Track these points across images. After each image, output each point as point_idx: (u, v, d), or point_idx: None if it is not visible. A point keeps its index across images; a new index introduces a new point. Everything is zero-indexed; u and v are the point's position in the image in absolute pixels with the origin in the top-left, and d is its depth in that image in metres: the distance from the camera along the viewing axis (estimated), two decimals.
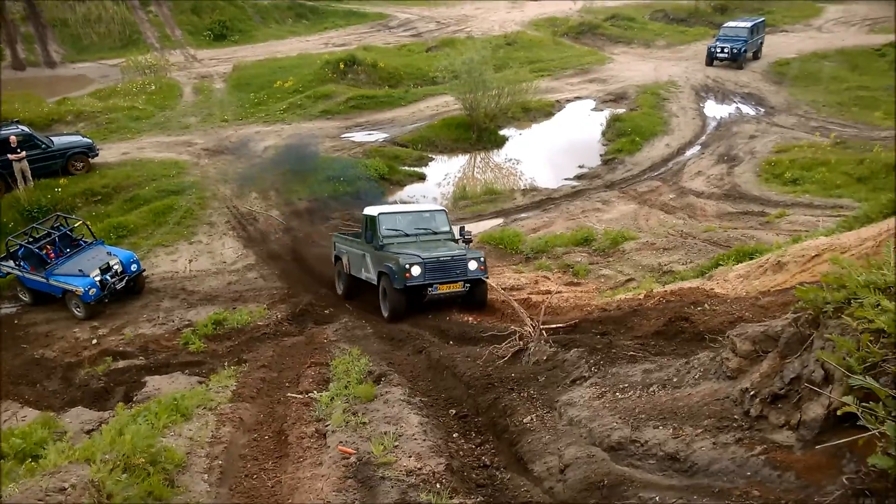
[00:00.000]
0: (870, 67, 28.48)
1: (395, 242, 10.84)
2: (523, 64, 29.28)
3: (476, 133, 22.51)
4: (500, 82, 22.76)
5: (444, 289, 10.25)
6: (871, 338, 3.32)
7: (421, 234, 11.15)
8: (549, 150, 22.58)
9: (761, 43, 31.69)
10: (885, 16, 36.34)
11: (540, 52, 32.80)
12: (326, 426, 5.69)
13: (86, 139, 17.19)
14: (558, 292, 9.81)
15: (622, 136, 22.73)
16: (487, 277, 10.64)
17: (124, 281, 11.43)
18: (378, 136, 22.62)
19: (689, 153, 21.77)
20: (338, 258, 12.54)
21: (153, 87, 26.07)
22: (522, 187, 19.54)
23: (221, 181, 17.98)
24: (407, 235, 11.06)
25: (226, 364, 8.31)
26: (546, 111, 25.43)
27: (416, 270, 9.94)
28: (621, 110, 25.05)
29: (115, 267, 11.09)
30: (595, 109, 25.88)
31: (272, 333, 10.13)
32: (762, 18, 32.69)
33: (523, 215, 17.38)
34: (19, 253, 11.26)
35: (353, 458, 4.89)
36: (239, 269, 13.54)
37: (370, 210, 11.51)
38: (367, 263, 11.21)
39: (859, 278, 3.88)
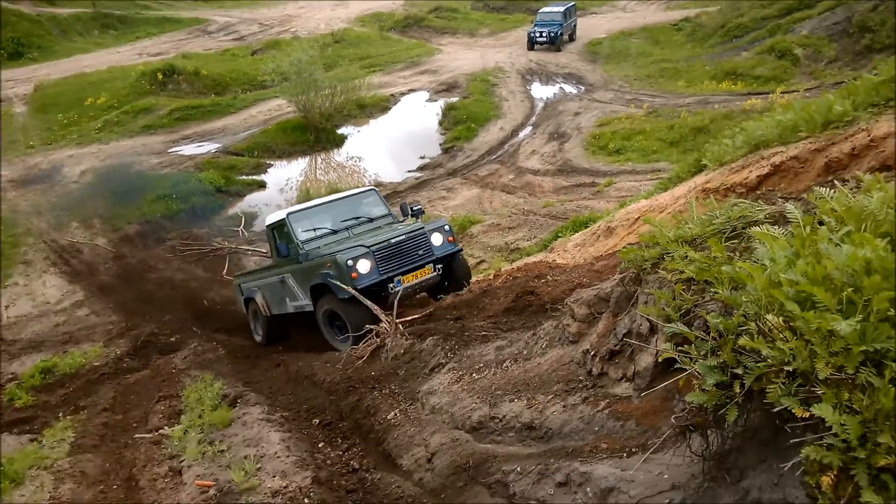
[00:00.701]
0: (670, 41, 31.26)
1: (320, 245, 8.44)
2: (353, 61, 29.17)
3: (313, 134, 22.13)
4: (332, 81, 22.52)
5: (411, 279, 7.93)
6: (683, 287, 3.61)
7: (353, 227, 8.78)
8: (390, 144, 22.72)
9: (575, 26, 33.75)
10: None
11: (369, 48, 32.84)
12: (181, 462, 5.37)
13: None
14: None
15: (458, 123, 23.34)
16: (461, 249, 8.84)
17: None
18: (209, 147, 21.58)
19: (522, 134, 22.76)
20: (249, 300, 10.17)
21: None
22: (367, 184, 19.51)
23: (35, 214, 16.35)
24: (335, 232, 8.67)
25: (60, 415, 7.58)
26: (382, 106, 25.52)
27: (363, 265, 7.52)
28: (454, 99, 25.70)
29: None
30: (429, 100, 26.34)
31: (112, 372, 9.30)
32: (573, 2, 34.80)
33: None
34: None
35: (212, 491, 4.64)
36: (66, 307, 12.37)
37: (274, 216, 9.15)
38: (290, 288, 8.78)
39: (669, 234, 4.22)
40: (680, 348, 3.07)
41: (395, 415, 5.15)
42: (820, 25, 25.02)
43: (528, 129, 23.10)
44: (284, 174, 20.38)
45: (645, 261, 4.28)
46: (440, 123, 24.02)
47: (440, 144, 22.49)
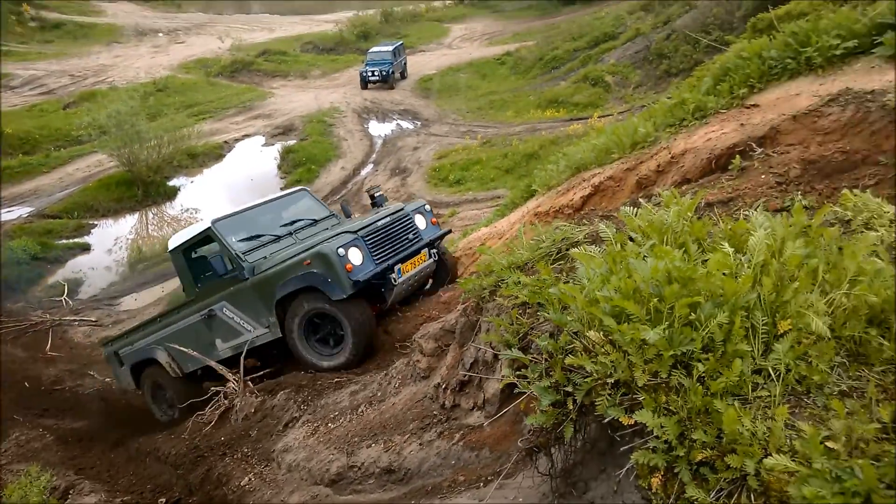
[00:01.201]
0: (495, 74, 33.00)
1: (267, 255, 6.82)
2: (179, 109, 28.00)
3: (141, 188, 20.86)
4: (158, 131, 21.40)
5: (411, 268, 6.68)
6: (519, 311, 3.75)
7: (297, 231, 7.30)
8: (228, 192, 21.90)
9: (405, 63, 34.67)
10: (498, 31, 42.46)
11: (196, 95, 31.66)
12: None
13: None
14: None
15: (298, 166, 23.06)
16: (450, 231, 7.99)
17: None
18: (20, 211, 19.68)
19: (364, 172, 22.89)
20: (142, 367, 8.01)
21: None
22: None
23: None
24: (278, 239, 7.09)
25: None
26: (215, 154, 24.65)
27: (355, 255, 6.11)
28: (292, 142, 25.40)
29: None
30: (266, 144, 25.82)
31: None
32: (401, 42, 35.81)
33: None
34: None
35: None
36: None
37: (184, 234, 7.35)
38: (227, 322, 6.93)
39: (502, 262, 4.39)
40: (518, 373, 3.18)
41: (250, 479, 4.89)
42: (624, 54, 27.56)
43: (369, 167, 23.28)
44: (111, 234, 18.99)
45: (483, 289, 4.42)
46: (279, 167, 23.60)
47: (281, 189, 22.04)
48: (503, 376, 3.56)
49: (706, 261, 2.92)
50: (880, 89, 4.90)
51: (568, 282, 3.55)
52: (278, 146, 25.08)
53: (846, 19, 6.01)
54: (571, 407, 2.70)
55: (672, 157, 6.43)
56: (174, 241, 7.42)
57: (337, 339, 6.42)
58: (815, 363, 2.43)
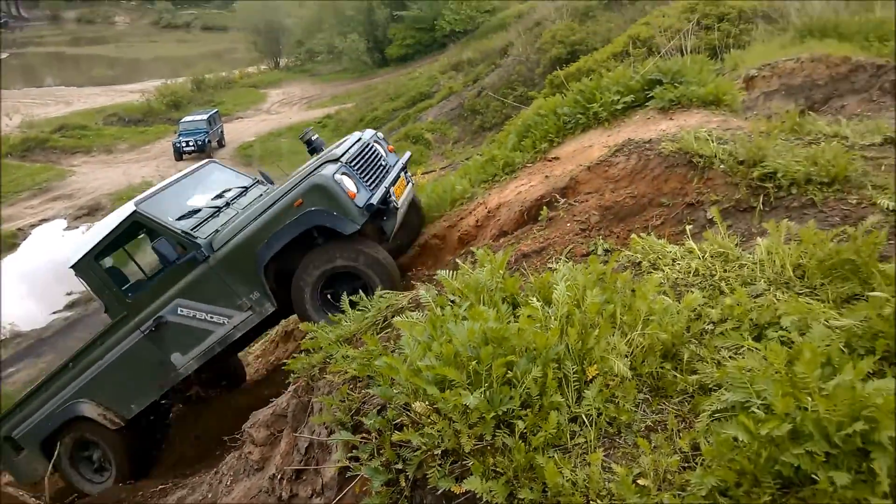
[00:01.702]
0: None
1: (217, 228, 5.73)
2: None
3: None
4: None
5: (400, 193, 6.05)
6: (350, 387, 3.67)
7: (233, 201, 6.26)
8: (26, 284, 19.67)
9: (222, 131, 33.73)
10: (317, 94, 42.79)
11: None
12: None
13: None
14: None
15: None
16: (411, 155, 7.34)
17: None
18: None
19: None
20: (55, 437, 6.30)
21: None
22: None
23: None
24: (217, 212, 6.00)
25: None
26: (8, 243, 22.16)
27: (349, 184, 5.33)
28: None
29: None
30: (69, 228, 23.69)
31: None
32: (216, 109, 34.84)
33: (11, 370, 14.76)
34: None
35: None
36: None
37: (96, 233, 5.94)
38: (184, 329, 5.73)
39: (329, 336, 4.30)
40: (351, 454, 3.09)
41: (621, 404, 4.08)
42: (441, 112, 28.88)
43: None
44: None
45: (312, 367, 4.29)
46: None
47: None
48: (338, 460, 3.45)
49: (519, 316, 3.06)
50: (656, 138, 5.51)
51: (394, 351, 3.54)
52: (83, 228, 23.11)
53: (623, 77, 6.76)
54: (404, 484, 2.66)
55: (489, 212, 6.74)
56: (76, 253, 5.88)
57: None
58: (621, 403, 2.60)
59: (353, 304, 4.48)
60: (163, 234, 5.50)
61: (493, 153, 7.71)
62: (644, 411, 2.60)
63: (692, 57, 7.00)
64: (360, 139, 6.13)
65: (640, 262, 3.58)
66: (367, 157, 5.92)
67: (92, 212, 24.83)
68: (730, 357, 2.63)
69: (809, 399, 2.02)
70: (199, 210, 5.94)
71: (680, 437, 2.40)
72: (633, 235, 3.75)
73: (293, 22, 48.49)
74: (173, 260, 5.42)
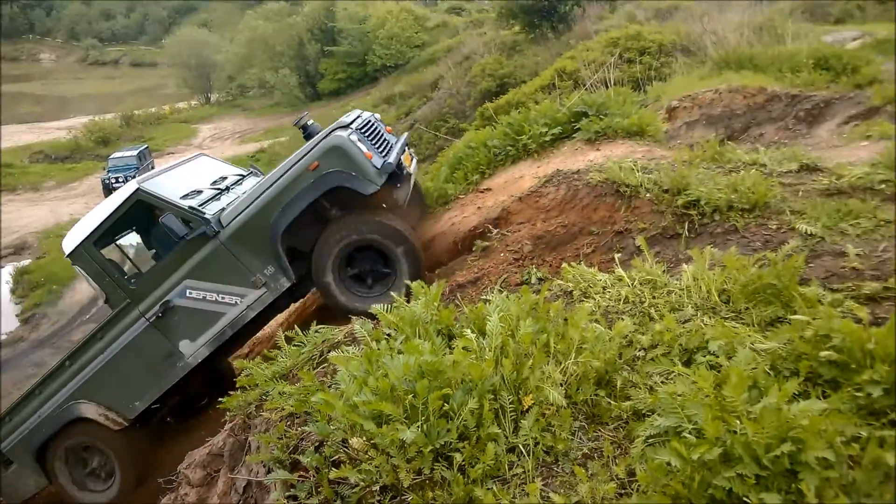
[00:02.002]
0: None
1: (224, 206, 5.47)
2: None
3: None
4: None
5: (409, 162, 6.03)
6: (288, 423, 3.58)
7: (232, 187, 6.05)
8: None
9: (152, 167, 32.89)
10: (249, 128, 42.34)
11: None
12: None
13: None
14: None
15: (36, 288, 20.43)
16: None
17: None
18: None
19: None
20: (48, 446, 5.88)
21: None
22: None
23: None
24: (219, 194, 5.74)
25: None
26: None
27: (363, 144, 5.16)
28: (27, 262, 22.52)
29: None
30: None
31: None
32: (146, 145, 33.99)
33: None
34: None
35: None
36: None
37: (95, 217, 5.47)
38: (193, 313, 5.38)
39: (265, 372, 4.20)
40: (289, 493, 3.00)
41: (557, 433, 3.73)
42: None
43: None
44: None
45: (249, 405, 4.17)
46: (13, 292, 20.69)
47: (17, 316, 19.32)
48: (276, 499, 3.34)
49: (455, 348, 3.05)
50: (584, 168, 5.66)
51: (331, 387, 3.48)
52: (9, 268, 22.06)
53: (550, 110, 6.94)
54: None
55: (423, 244, 6.75)
56: (74, 239, 5.40)
57: (377, 275, 5.36)
58: (557, 432, 2.61)
59: (288, 340, 4.40)
60: (169, 210, 5.14)
61: (426, 185, 7.76)
62: (580, 439, 2.62)
63: (616, 89, 7.27)
64: (360, 114, 5.92)
65: (571, 291, 3.64)
66: (371, 129, 5.74)
67: (17, 251, 23.75)
68: (661, 382, 2.69)
69: (738, 422, 2.08)
70: (201, 192, 5.63)
71: (616, 464, 2.42)
72: (565, 264, 3.82)
73: (223, 57, 48.03)
74: (182, 235, 5.08)
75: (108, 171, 30.34)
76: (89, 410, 5.62)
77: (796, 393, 2.29)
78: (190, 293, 5.34)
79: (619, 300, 3.34)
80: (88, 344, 5.63)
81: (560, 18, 23.66)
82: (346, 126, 5.27)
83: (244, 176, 6.37)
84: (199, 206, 5.36)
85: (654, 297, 3.27)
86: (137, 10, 77.48)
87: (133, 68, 70.10)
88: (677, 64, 11.57)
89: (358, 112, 6.09)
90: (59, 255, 22.69)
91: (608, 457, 2.49)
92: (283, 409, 3.67)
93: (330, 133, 5.19)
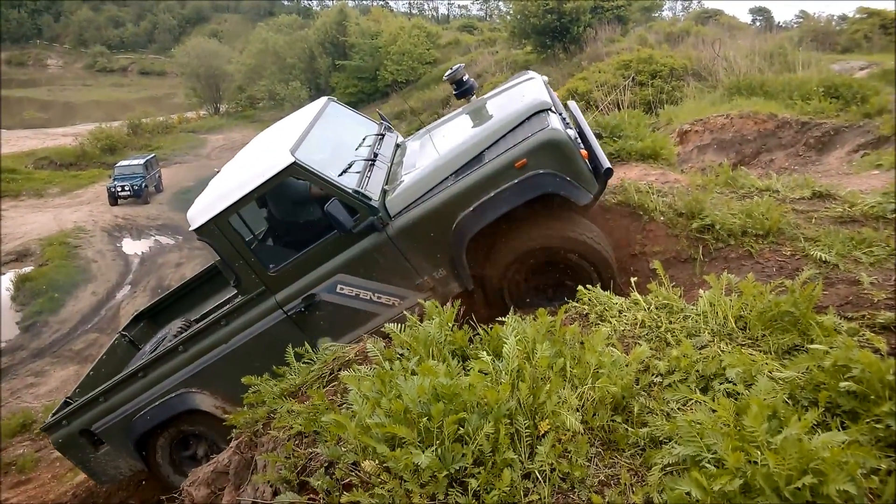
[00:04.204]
0: None
1: (391, 190, 4.66)
2: None
3: None
4: None
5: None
6: (296, 442, 3.55)
7: (380, 154, 5.15)
8: None
9: (159, 176, 33.02)
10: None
11: None
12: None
13: None
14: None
15: (38, 296, 20.42)
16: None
17: None
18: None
19: (119, 295, 20.91)
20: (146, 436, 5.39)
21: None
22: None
23: None
24: (372, 162, 4.90)
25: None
26: None
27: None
28: (28, 269, 22.53)
29: None
30: None
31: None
32: (153, 154, 34.16)
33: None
34: None
35: None
36: None
37: (238, 188, 4.62)
38: (341, 311, 4.73)
39: (273, 389, 4.17)
40: None
41: (573, 459, 3.43)
42: None
43: (126, 289, 21.33)
44: None
45: (256, 422, 4.14)
46: (14, 300, 20.68)
47: (17, 323, 19.30)
48: None
49: (470, 370, 3.03)
50: None
51: (342, 406, 3.45)
52: (11, 275, 22.07)
53: None
54: None
55: None
56: (207, 211, 4.63)
57: (558, 285, 4.52)
58: (574, 458, 2.58)
59: (297, 357, 4.34)
60: (333, 194, 4.41)
61: None
62: (597, 466, 2.59)
63: (629, 112, 7.29)
64: (545, 80, 4.96)
65: (587, 314, 3.62)
66: (558, 105, 4.76)
67: (20, 257, 23.78)
68: (678, 409, 2.66)
69: (759, 453, 2.05)
70: (352, 163, 4.83)
71: (633, 493, 2.39)
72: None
73: (234, 68, 48.40)
74: (349, 228, 4.35)
75: (114, 179, 30.45)
76: (204, 402, 5.10)
77: (815, 423, 2.27)
78: (341, 289, 4.68)
79: (636, 324, 3.32)
80: (209, 331, 5.04)
81: (572, 39, 23.83)
82: (546, 110, 4.39)
83: (382, 135, 5.46)
84: (362, 188, 4.56)
85: (670, 322, 3.25)
86: (147, 19, 78.15)
87: (141, 76, 70.50)
88: (689, 88, 11.62)
89: (531, 74, 5.27)
90: (61, 263, 22.74)
91: (625, 484, 2.45)
92: (292, 428, 3.64)
93: (534, 116, 4.37)
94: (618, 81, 12.61)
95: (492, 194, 4.22)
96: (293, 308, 4.75)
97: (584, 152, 4.23)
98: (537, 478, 2.52)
